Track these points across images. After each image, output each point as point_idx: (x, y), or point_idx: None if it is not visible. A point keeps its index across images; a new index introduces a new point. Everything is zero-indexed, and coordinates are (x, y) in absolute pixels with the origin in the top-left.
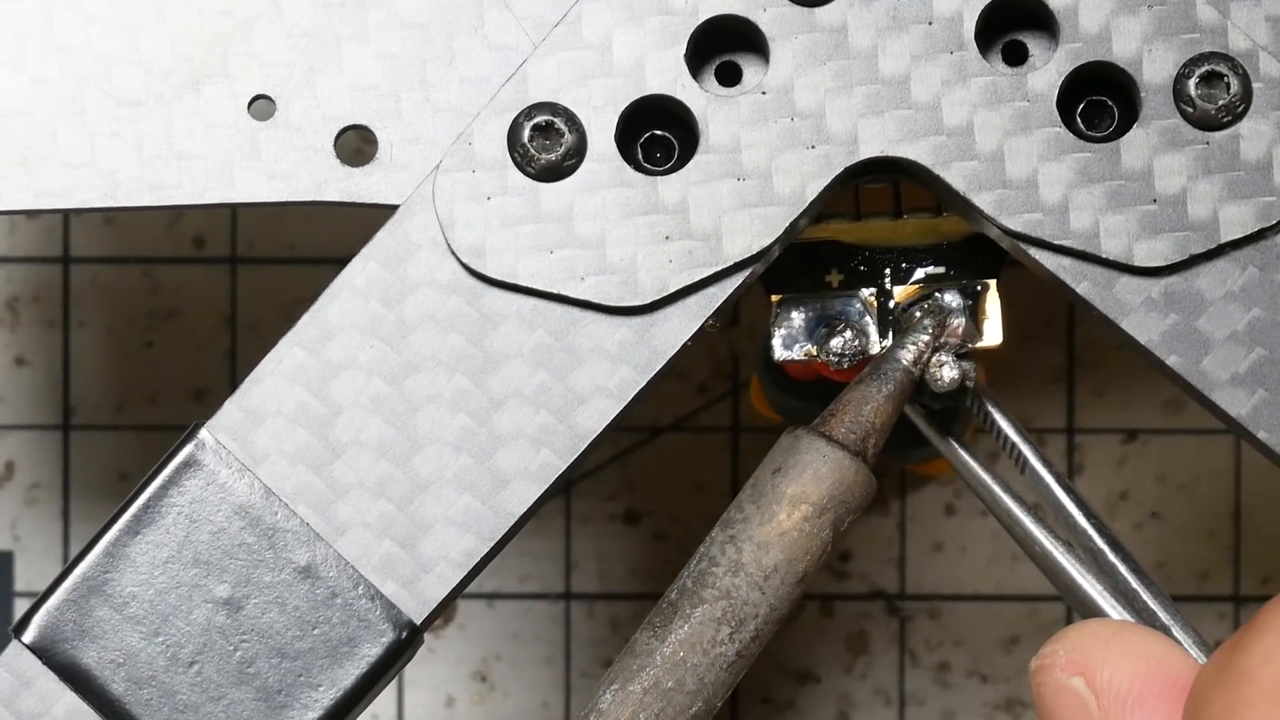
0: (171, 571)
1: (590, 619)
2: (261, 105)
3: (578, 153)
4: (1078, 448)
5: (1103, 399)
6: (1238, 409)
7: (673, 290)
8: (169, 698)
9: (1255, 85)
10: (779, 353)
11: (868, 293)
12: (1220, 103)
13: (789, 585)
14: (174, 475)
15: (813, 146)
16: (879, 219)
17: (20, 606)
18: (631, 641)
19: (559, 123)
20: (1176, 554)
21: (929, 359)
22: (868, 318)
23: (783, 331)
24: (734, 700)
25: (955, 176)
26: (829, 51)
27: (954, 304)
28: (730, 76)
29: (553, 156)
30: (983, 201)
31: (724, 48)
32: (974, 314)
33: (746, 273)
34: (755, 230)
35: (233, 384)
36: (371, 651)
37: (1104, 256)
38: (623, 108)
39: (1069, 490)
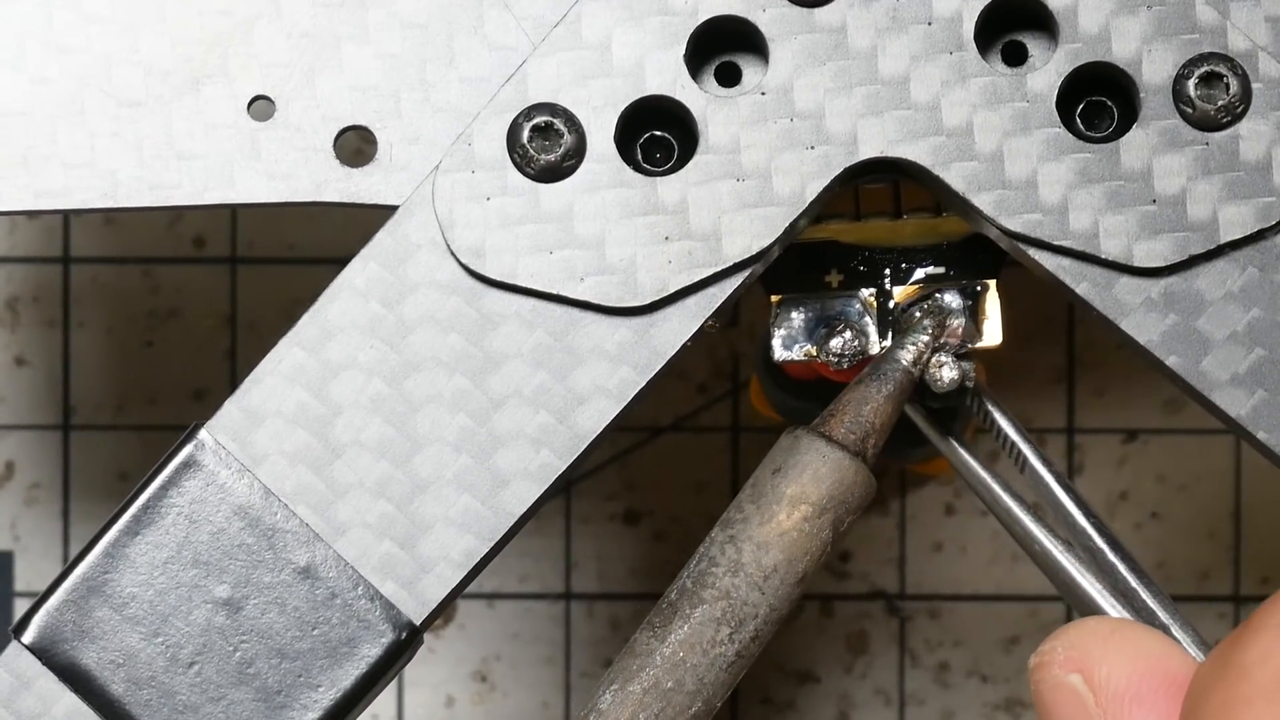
0: (171, 572)
1: (590, 619)
2: (261, 105)
3: (577, 153)
4: (1078, 448)
5: (1103, 399)
6: (1237, 409)
7: (672, 291)
8: (169, 698)
9: (1255, 86)
10: (779, 353)
11: (867, 293)
12: (1220, 103)
13: (789, 585)
14: (174, 476)
15: (812, 147)
16: (879, 219)
17: (20, 606)
18: (631, 642)
19: (558, 123)
20: (1176, 554)
21: (929, 359)
22: (867, 318)
23: (783, 331)
24: (734, 700)
25: (955, 177)
26: (828, 52)
27: (954, 304)
28: (730, 77)
29: (552, 157)
30: (982, 202)
31: (724, 48)
32: (974, 314)
33: (746, 273)
34: (755, 231)
35: (233, 384)
36: (371, 652)
37: (1103, 257)
38: (622, 108)
39: (1069, 490)
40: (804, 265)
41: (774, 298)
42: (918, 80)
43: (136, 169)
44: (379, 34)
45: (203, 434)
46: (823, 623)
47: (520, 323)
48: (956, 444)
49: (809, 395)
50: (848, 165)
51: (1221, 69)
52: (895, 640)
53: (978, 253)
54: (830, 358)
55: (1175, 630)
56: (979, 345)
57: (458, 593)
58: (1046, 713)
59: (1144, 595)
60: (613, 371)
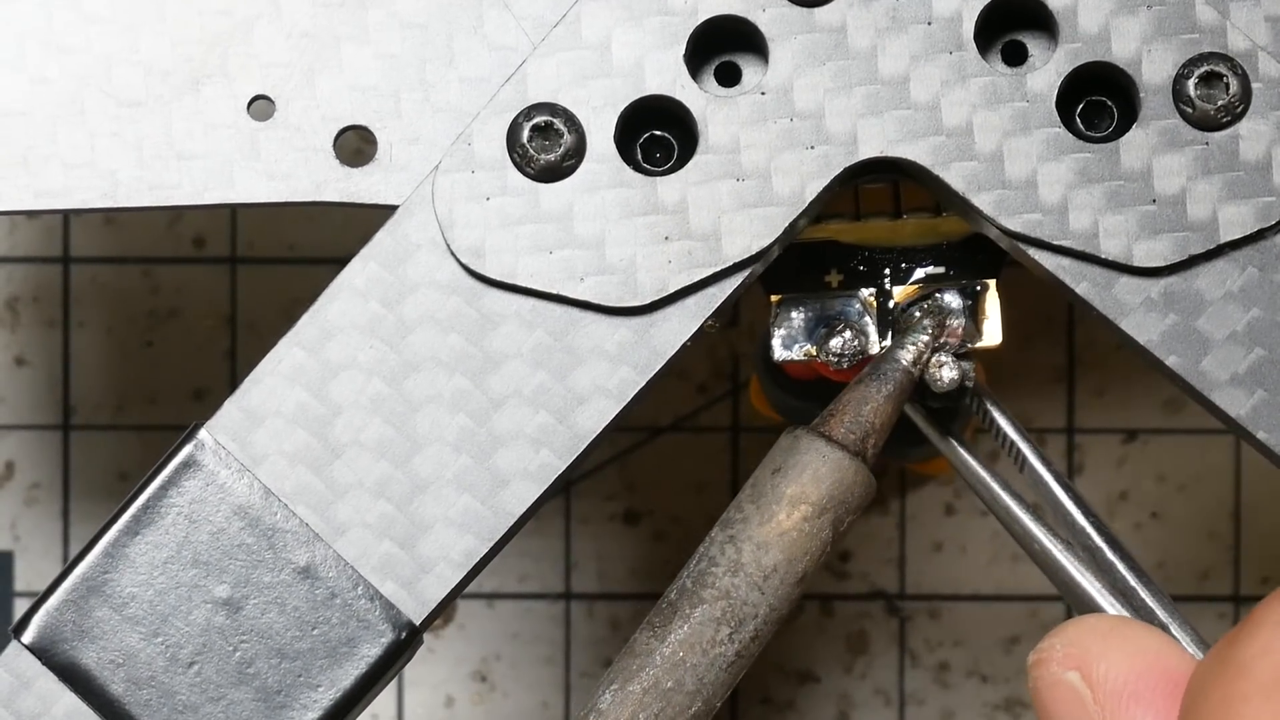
0: (171, 572)
1: (590, 619)
2: (261, 105)
3: (577, 153)
4: (1078, 448)
5: (1103, 399)
6: (1237, 409)
7: (672, 290)
8: (168, 698)
9: (1254, 85)
10: (779, 353)
11: (867, 293)
12: (1219, 103)
13: (788, 585)
14: (173, 476)
15: (812, 147)
16: (878, 219)
17: (20, 606)
18: (631, 641)
19: (558, 123)
20: (1176, 554)
21: (929, 359)
22: (867, 318)
23: (782, 331)
24: (734, 700)
25: (954, 177)
26: (828, 52)
27: (954, 304)
28: (730, 77)
29: (552, 157)
30: (982, 202)
31: (723, 48)
32: (974, 314)
33: (746, 273)
34: (754, 230)
35: (233, 384)
36: (371, 652)
37: (1103, 257)
38: (622, 108)
39: (1069, 490)
40: (804, 265)
41: (774, 298)
42: (918, 80)
43: (136, 169)
44: (379, 34)
45: (203, 434)
46: (823, 623)
47: (520, 323)
48: (956, 444)
49: (809, 395)
50: (847, 165)
51: (1221, 69)
52: (895, 640)
53: (977, 253)
54: (830, 358)
55: (1174, 629)
56: (979, 345)
57: (457, 593)
58: (1045, 710)
59: (1143, 595)
60: (613, 371)
